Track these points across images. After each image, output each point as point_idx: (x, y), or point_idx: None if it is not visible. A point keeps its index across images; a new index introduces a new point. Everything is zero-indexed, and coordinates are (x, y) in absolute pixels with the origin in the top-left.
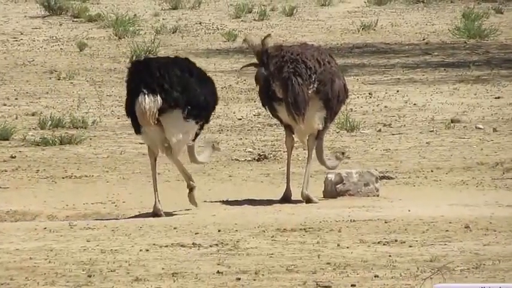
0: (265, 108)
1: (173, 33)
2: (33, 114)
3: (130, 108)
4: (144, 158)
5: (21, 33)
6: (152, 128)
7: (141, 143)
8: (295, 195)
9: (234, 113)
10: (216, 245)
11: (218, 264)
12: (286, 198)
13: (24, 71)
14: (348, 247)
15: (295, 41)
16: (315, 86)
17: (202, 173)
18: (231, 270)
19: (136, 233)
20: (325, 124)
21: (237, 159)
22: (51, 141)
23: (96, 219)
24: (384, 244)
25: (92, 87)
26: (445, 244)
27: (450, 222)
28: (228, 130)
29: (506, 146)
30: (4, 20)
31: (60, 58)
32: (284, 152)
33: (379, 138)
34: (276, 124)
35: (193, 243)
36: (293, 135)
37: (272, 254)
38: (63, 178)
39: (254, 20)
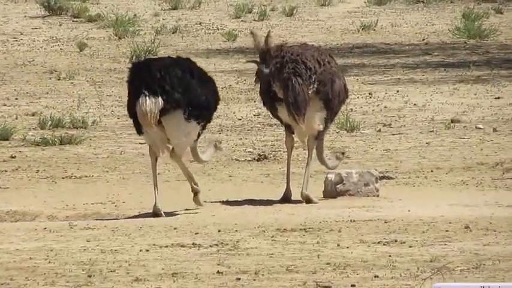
0: (266, 108)
1: (173, 33)
2: (33, 114)
3: (132, 109)
4: (144, 158)
5: (21, 34)
6: (153, 128)
7: (141, 143)
8: (295, 195)
9: (234, 113)
10: (216, 245)
11: (218, 265)
12: (286, 199)
13: (24, 71)
14: (347, 247)
15: (295, 41)
16: (315, 86)
17: (202, 173)
18: (231, 270)
19: (136, 233)
20: (325, 124)
21: (237, 159)
22: (51, 141)
23: (96, 220)
24: (383, 244)
25: (92, 87)
26: (445, 244)
27: (450, 223)
28: (228, 130)
29: (506, 146)
30: (4, 20)
31: (60, 58)
32: (284, 152)
33: (379, 138)
34: (276, 124)
35: (193, 244)
36: (293, 135)
37: (272, 254)
38: (63, 178)
39: (254, 20)
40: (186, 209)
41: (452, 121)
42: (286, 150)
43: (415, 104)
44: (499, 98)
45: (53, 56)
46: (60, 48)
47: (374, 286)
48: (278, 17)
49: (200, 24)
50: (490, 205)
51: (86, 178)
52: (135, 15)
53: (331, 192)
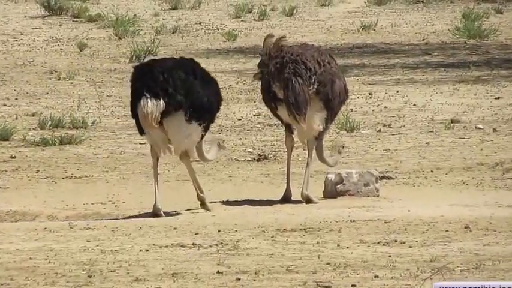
0: (266, 106)
1: (173, 33)
2: (33, 115)
3: (134, 110)
4: (144, 158)
5: (21, 34)
6: (155, 130)
7: (140, 143)
8: (295, 195)
9: (234, 113)
10: (216, 245)
11: (218, 265)
12: (286, 199)
13: (24, 71)
14: (347, 247)
15: (295, 41)
16: (315, 86)
17: (202, 173)
18: (231, 271)
19: (136, 233)
20: (325, 125)
21: (237, 160)
22: (51, 142)
23: (96, 220)
24: (383, 244)
25: (92, 88)
26: (445, 244)
27: (450, 223)
28: (228, 130)
29: (506, 146)
30: (4, 20)
31: (60, 58)
32: (284, 152)
33: (379, 139)
34: (275, 124)
35: (193, 244)
36: (293, 136)
37: (272, 254)
38: (63, 178)
39: (254, 20)
40: (186, 209)
41: (452, 121)
42: (286, 150)
43: (415, 104)
44: (499, 98)
45: (53, 56)
46: (60, 49)
47: (374, 286)
48: (278, 17)
49: (200, 24)
50: (490, 205)
51: (86, 178)
52: (135, 15)
53: (331, 192)
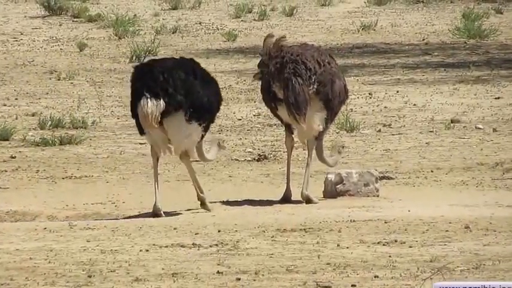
0: (266, 106)
1: (173, 33)
2: (33, 115)
3: (134, 110)
4: (144, 158)
5: (21, 34)
6: (154, 130)
7: (140, 143)
8: (295, 195)
9: (234, 113)
10: (216, 245)
11: (218, 265)
12: (286, 199)
13: (24, 71)
14: (347, 247)
15: (295, 41)
16: (315, 86)
17: (202, 173)
18: (231, 271)
19: (136, 233)
20: (325, 125)
21: (237, 160)
22: (51, 142)
23: (96, 220)
24: (383, 244)
25: (92, 88)
26: (445, 244)
27: (450, 223)
28: (227, 130)
29: (506, 146)
30: (4, 20)
31: (60, 58)
32: (284, 152)
33: (379, 139)
34: (275, 124)
35: (193, 244)
36: (293, 136)
37: (272, 254)
38: (63, 178)
39: (254, 20)
40: (186, 209)
41: (452, 121)
42: (286, 150)
43: (415, 104)
44: (499, 98)
45: (53, 56)
46: (60, 49)
47: (374, 286)
48: (278, 17)
49: (200, 24)
50: (490, 205)
51: (86, 178)
52: (135, 15)
53: (331, 192)
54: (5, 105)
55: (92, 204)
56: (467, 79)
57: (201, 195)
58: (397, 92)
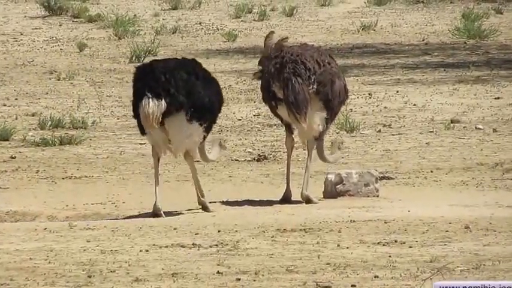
0: (266, 105)
1: (173, 33)
2: (33, 115)
3: (136, 110)
4: (143, 158)
5: (21, 34)
6: (155, 130)
7: (140, 144)
8: (295, 195)
9: (233, 113)
10: (216, 245)
11: (218, 265)
12: (286, 199)
13: (24, 71)
14: (347, 247)
15: (295, 41)
16: (315, 86)
17: (202, 173)
18: (231, 271)
19: (136, 233)
20: (325, 125)
21: (237, 160)
22: (51, 142)
23: (96, 220)
24: (383, 244)
25: (92, 88)
26: (445, 245)
27: (450, 223)
28: (227, 130)
29: (506, 147)
30: (4, 21)
31: (60, 58)
32: (284, 152)
33: (379, 139)
34: (275, 124)
35: (193, 244)
36: (293, 136)
37: (272, 254)
38: (63, 178)
39: (254, 20)
40: (186, 210)
41: (452, 121)
42: (286, 150)
43: (414, 105)
44: (498, 98)
45: (52, 57)
46: (60, 49)
47: (374, 286)
48: (278, 17)
49: (200, 24)
50: (490, 205)
51: (86, 178)
52: (135, 15)
53: (331, 192)
54: (5, 105)
55: (92, 204)
56: (467, 79)
57: (202, 199)
58: (397, 92)
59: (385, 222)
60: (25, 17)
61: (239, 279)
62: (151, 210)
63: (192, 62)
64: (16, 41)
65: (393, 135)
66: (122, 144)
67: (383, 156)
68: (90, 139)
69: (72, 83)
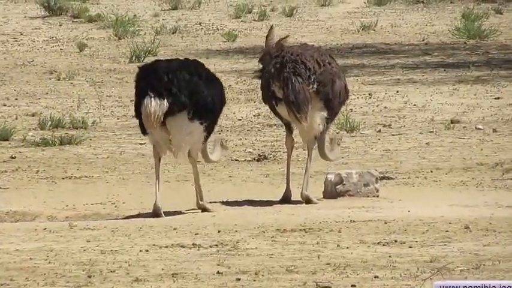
0: (266, 104)
1: (173, 33)
2: (33, 115)
3: (138, 110)
4: (143, 159)
5: (21, 34)
6: (156, 130)
7: (140, 144)
8: (295, 195)
9: (233, 113)
10: (216, 245)
11: (218, 265)
12: (286, 199)
13: (24, 71)
14: (347, 247)
15: (295, 41)
16: (315, 86)
17: (202, 173)
18: (231, 271)
19: (136, 233)
20: (326, 124)
21: (237, 160)
22: (51, 142)
23: (96, 220)
24: (383, 245)
25: (92, 88)
26: (445, 245)
27: (450, 223)
28: (227, 131)
29: (506, 147)
30: (4, 21)
31: (60, 58)
32: (284, 152)
33: (379, 139)
34: (275, 124)
35: (193, 244)
36: (293, 136)
37: (272, 254)
38: (63, 179)
39: (254, 20)
40: (186, 210)
41: (452, 121)
42: (286, 150)
43: (414, 105)
44: (498, 98)
45: (52, 57)
46: (60, 49)
47: (374, 286)
48: (278, 17)
49: (200, 24)
50: (489, 205)
51: (86, 178)
52: (135, 15)
53: (331, 192)
54: (5, 105)
55: (92, 204)
56: (467, 79)
57: (201, 202)
58: (397, 92)
59: (385, 223)
60: (25, 17)
61: (239, 279)
62: (151, 210)
63: (194, 62)
64: (16, 41)
65: (393, 135)
66: (122, 144)
67: (383, 156)
68: (90, 139)
69: (72, 83)
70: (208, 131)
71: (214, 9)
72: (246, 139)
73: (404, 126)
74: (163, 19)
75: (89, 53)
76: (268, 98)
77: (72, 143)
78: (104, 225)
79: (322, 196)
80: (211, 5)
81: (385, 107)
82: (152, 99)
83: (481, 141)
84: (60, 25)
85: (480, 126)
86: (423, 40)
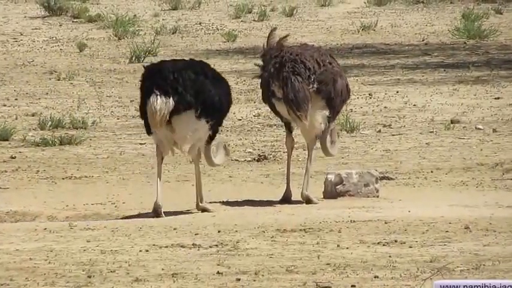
0: (265, 103)
1: (173, 33)
2: (33, 115)
3: (143, 108)
4: (143, 159)
5: (21, 34)
6: (161, 129)
7: (141, 144)
8: (295, 195)
9: (233, 113)
10: (216, 245)
11: (218, 265)
12: (286, 199)
13: (24, 71)
14: (347, 248)
15: (295, 41)
16: (315, 86)
17: (202, 173)
18: (230, 271)
19: (136, 233)
20: (327, 123)
21: (237, 160)
22: (51, 142)
23: (96, 220)
24: (383, 245)
25: (92, 88)
26: (445, 245)
27: (450, 223)
28: (227, 131)
29: (506, 147)
30: (4, 21)
31: (60, 59)
32: (284, 152)
33: (379, 139)
34: (275, 124)
35: (193, 244)
36: (293, 136)
37: (272, 254)
38: (63, 179)
39: (254, 20)
40: (186, 210)
41: (452, 122)
42: (286, 150)
43: (414, 105)
44: (498, 98)
45: (52, 57)
46: (60, 49)
47: (374, 286)
48: (278, 17)
49: (200, 24)
50: (489, 206)
51: (86, 179)
52: (135, 15)
53: (331, 192)
54: (5, 105)
55: (92, 204)
56: (467, 79)
57: (201, 204)
58: (397, 92)
59: (385, 223)
60: (25, 17)
61: (239, 280)
62: (151, 210)
63: (200, 62)
64: (16, 41)
65: (393, 135)
66: (122, 144)
67: (383, 156)
68: (90, 139)
69: (72, 83)
70: (213, 130)
71: (214, 9)
72: (246, 139)
73: (404, 126)
74: (163, 19)
75: (89, 53)
76: (268, 97)
77: (72, 143)
78: (104, 225)
79: (322, 196)
80: (211, 5)
81: (385, 107)
82: (158, 97)
83: (481, 141)
84: (60, 25)
85: (480, 126)
86: (423, 40)
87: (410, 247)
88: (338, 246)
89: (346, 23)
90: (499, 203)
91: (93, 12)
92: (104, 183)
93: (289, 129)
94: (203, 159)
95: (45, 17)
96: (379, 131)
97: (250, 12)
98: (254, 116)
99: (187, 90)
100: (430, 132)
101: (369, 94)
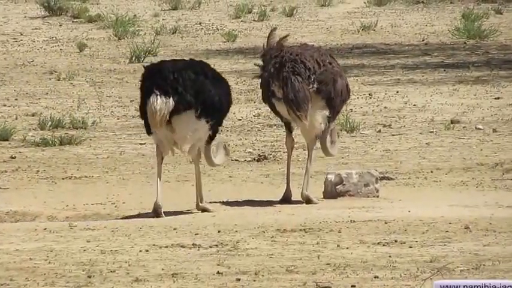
0: (265, 103)
1: (173, 33)
2: (33, 115)
3: (143, 108)
4: (143, 159)
5: (21, 34)
6: (161, 129)
7: (140, 144)
8: (295, 195)
9: (233, 113)
10: (216, 245)
11: (218, 265)
12: (286, 199)
13: (24, 71)
14: (347, 248)
15: (295, 41)
16: (315, 86)
17: (202, 173)
18: (230, 271)
19: (136, 233)
20: (328, 123)
21: (237, 160)
22: (51, 142)
23: (96, 220)
24: (383, 245)
25: (92, 88)
26: (445, 245)
27: (450, 223)
28: (227, 131)
29: (506, 147)
30: (4, 21)
31: (60, 59)
32: (284, 152)
33: (379, 139)
34: (275, 125)
35: (193, 244)
36: (293, 136)
37: (272, 254)
38: (63, 179)
39: (254, 20)
40: (186, 210)
41: (452, 122)
42: (286, 150)
43: (414, 105)
44: (498, 98)
45: (52, 57)
46: (60, 49)
47: (374, 286)
48: (278, 17)
49: (200, 24)
50: (489, 206)
51: (86, 179)
52: (135, 15)
53: (331, 192)
54: (5, 105)
55: (92, 204)
56: (467, 79)
57: (201, 204)
58: (397, 92)
59: (385, 223)
60: (25, 17)
61: (239, 280)
62: (151, 210)
63: (200, 63)
64: (16, 41)
65: (393, 135)
66: (122, 144)
67: (383, 156)
68: (90, 139)
69: (72, 83)
70: (213, 130)
71: (214, 9)
72: (246, 139)
73: (404, 126)
74: (163, 19)
75: (89, 53)
76: (268, 97)
77: (72, 143)
78: (104, 225)
79: (322, 196)
80: (211, 5)
81: (385, 107)
82: (158, 97)
83: (481, 141)
84: (60, 25)
85: (480, 126)
86: (423, 40)
87: (410, 247)
88: (338, 246)
89: (346, 23)
90: (499, 203)
91: (93, 12)
92: (104, 183)
93: (289, 129)
94: (203, 159)
95: (45, 17)
96: (379, 131)
97: (250, 12)
98: (254, 116)
99: (187, 90)
100: (430, 132)
101: (369, 94)
